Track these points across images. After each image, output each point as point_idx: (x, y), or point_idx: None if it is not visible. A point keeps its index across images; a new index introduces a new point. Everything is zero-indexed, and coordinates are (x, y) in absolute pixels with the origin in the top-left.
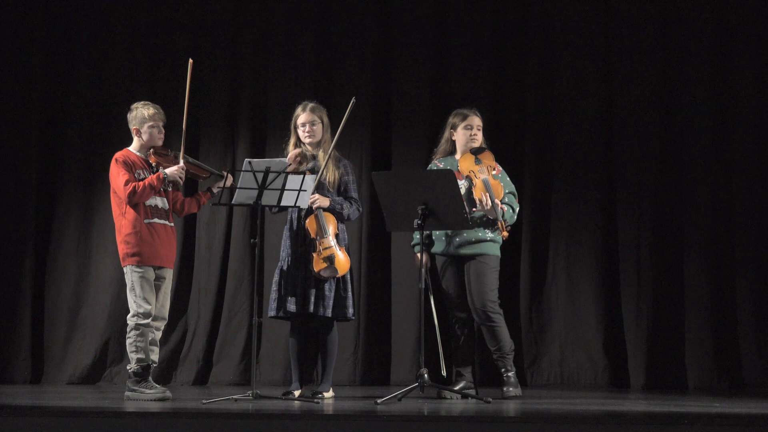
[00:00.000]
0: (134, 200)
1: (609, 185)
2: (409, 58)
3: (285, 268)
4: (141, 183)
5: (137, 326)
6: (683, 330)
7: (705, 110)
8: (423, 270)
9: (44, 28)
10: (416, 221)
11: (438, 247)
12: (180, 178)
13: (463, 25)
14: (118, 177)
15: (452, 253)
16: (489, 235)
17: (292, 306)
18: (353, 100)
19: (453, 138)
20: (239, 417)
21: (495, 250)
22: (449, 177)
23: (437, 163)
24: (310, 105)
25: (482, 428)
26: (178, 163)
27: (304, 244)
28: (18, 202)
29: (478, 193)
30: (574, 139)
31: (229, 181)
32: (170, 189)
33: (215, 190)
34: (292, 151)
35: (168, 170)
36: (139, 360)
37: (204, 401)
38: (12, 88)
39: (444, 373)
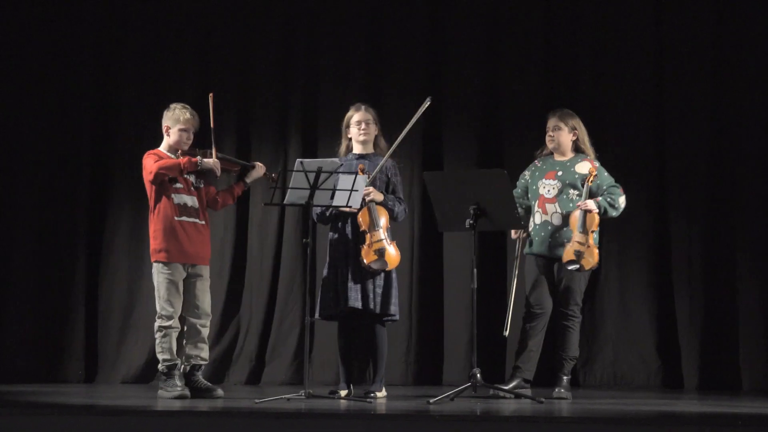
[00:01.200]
0: (161, 170)
1: (660, 185)
2: (460, 58)
3: (337, 266)
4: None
5: (160, 328)
6: (737, 330)
7: (758, 106)
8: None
9: (95, 30)
10: (468, 221)
11: (534, 248)
12: (216, 167)
13: (513, 27)
14: (149, 163)
15: (546, 254)
16: None
17: (356, 303)
18: (428, 99)
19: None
20: (292, 416)
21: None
22: (501, 177)
23: (536, 163)
24: (363, 105)
25: (535, 428)
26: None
27: (351, 242)
28: (71, 201)
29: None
30: (625, 138)
31: (261, 170)
32: (201, 186)
33: (248, 180)
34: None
35: (205, 159)
36: (164, 360)
37: (257, 401)
38: (65, 89)
39: (506, 333)
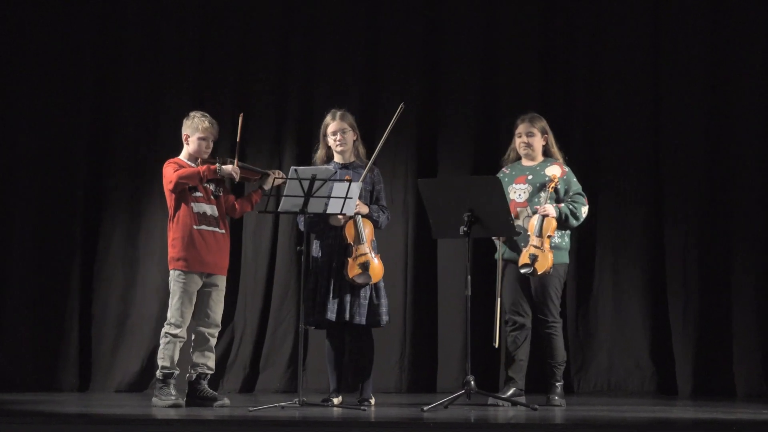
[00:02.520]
0: (181, 179)
1: (656, 190)
2: (456, 64)
3: (319, 275)
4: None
5: (166, 334)
6: (731, 336)
7: (755, 114)
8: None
9: (94, 34)
10: (462, 228)
11: (507, 254)
12: (234, 173)
13: (510, 30)
14: (169, 172)
15: (517, 259)
16: (555, 240)
17: (332, 314)
18: (401, 105)
19: (515, 144)
20: (286, 424)
21: (561, 257)
22: (495, 184)
23: (504, 170)
24: (339, 113)
25: None
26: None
27: (337, 252)
28: (66, 208)
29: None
30: (621, 145)
31: (279, 180)
32: (221, 194)
33: (266, 188)
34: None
35: (224, 166)
36: (163, 367)
37: (251, 409)
38: (61, 95)
39: (496, 344)
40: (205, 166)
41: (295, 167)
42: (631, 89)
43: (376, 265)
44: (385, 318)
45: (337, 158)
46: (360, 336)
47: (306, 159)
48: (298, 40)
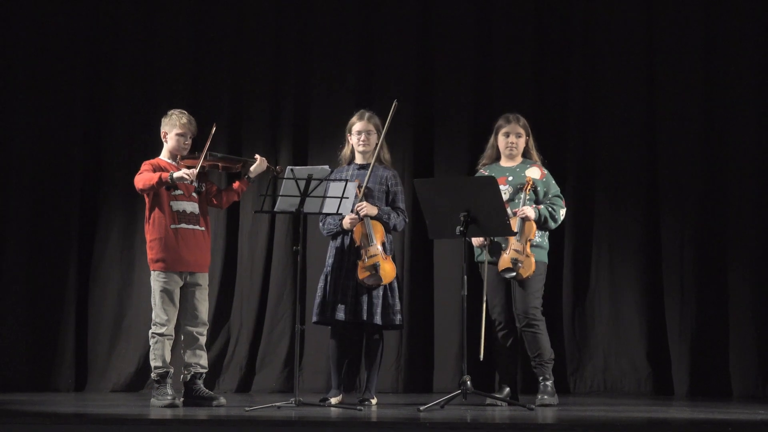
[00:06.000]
0: (138, 185)
1: (652, 191)
2: (452, 62)
3: (330, 275)
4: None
5: (153, 335)
6: (727, 337)
7: (750, 115)
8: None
9: (88, 35)
10: (458, 228)
11: (479, 254)
12: (186, 176)
13: (505, 29)
14: (137, 177)
15: (497, 261)
16: (536, 241)
17: (341, 314)
18: (395, 102)
19: (497, 143)
20: (282, 424)
21: (541, 256)
22: (492, 184)
23: (482, 171)
24: (367, 114)
25: None
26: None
27: (350, 252)
28: (62, 210)
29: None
30: (617, 145)
31: (264, 164)
32: (203, 190)
33: (252, 176)
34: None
35: (176, 173)
36: (156, 368)
37: (247, 409)
38: (55, 98)
39: (481, 357)
40: (158, 175)
41: (291, 167)
42: (626, 89)
43: (387, 266)
44: (399, 317)
45: (357, 158)
46: (372, 335)
47: (301, 159)
48: (293, 41)
